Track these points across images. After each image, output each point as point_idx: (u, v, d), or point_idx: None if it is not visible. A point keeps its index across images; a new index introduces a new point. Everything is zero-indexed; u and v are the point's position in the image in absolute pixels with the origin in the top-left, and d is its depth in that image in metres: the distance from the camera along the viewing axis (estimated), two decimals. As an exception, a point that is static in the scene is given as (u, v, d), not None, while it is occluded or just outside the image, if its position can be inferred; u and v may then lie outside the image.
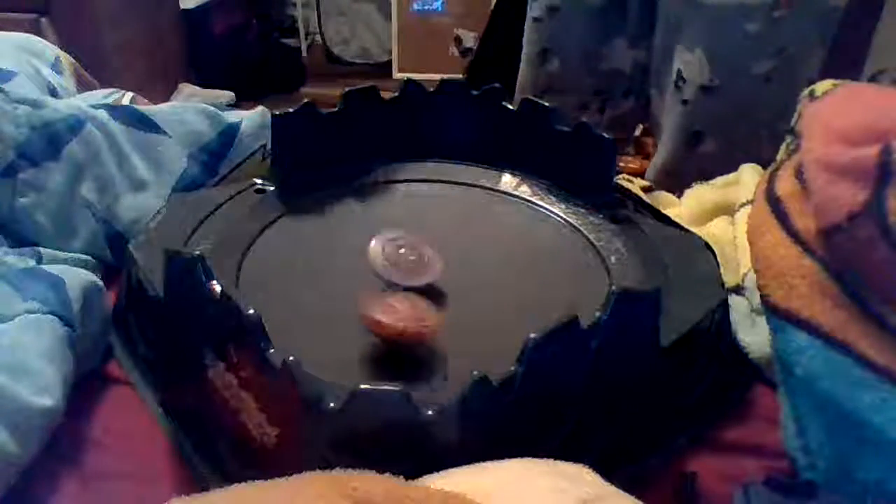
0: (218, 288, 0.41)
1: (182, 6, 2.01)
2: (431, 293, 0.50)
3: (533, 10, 0.95)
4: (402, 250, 0.51)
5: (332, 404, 0.37)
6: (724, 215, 0.63)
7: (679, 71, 0.81)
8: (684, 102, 0.81)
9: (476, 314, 0.50)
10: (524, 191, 0.64)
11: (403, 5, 2.19)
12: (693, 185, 0.69)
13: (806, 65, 0.77)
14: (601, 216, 0.59)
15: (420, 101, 0.67)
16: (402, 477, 0.34)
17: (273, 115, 0.63)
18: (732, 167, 0.65)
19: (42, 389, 0.44)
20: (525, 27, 0.99)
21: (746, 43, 0.77)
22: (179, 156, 0.68)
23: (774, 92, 0.78)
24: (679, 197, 0.70)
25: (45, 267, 0.53)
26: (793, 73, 0.77)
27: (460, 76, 1.54)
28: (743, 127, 0.81)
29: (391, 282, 0.49)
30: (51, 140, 0.61)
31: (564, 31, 0.94)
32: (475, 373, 0.37)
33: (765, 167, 0.57)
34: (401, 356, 0.46)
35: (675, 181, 0.76)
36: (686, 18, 0.80)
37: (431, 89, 0.67)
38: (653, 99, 0.92)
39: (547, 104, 0.64)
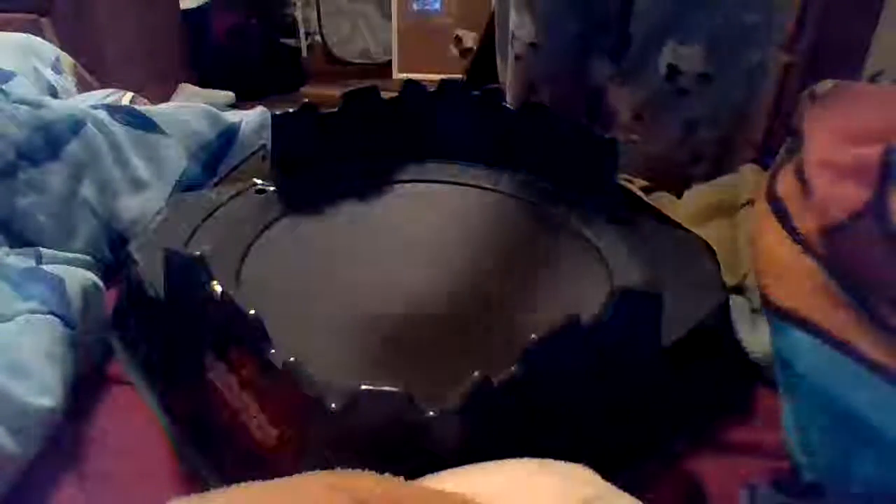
0: (218, 288, 0.41)
1: (182, 6, 2.01)
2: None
3: (514, 49, 0.96)
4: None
5: (333, 405, 0.37)
6: (724, 215, 0.63)
7: (674, 66, 0.85)
8: (681, 92, 0.85)
9: (477, 314, 0.50)
10: (524, 191, 0.64)
11: (403, 5, 2.19)
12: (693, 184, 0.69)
13: None
14: (601, 216, 0.59)
15: (420, 102, 0.66)
16: (402, 477, 0.34)
17: (273, 115, 0.63)
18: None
19: (42, 390, 0.44)
20: (508, 65, 1.00)
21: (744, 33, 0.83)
22: (179, 156, 0.68)
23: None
24: (679, 197, 0.70)
25: (45, 267, 0.53)
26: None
27: (460, 76, 1.54)
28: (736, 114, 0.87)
29: None
30: (51, 140, 0.61)
31: (549, 64, 0.95)
32: (476, 373, 0.37)
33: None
34: (401, 357, 0.46)
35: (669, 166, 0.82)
36: (681, 14, 0.84)
37: (431, 89, 0.67)
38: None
39: (546, 104, 0.64)
